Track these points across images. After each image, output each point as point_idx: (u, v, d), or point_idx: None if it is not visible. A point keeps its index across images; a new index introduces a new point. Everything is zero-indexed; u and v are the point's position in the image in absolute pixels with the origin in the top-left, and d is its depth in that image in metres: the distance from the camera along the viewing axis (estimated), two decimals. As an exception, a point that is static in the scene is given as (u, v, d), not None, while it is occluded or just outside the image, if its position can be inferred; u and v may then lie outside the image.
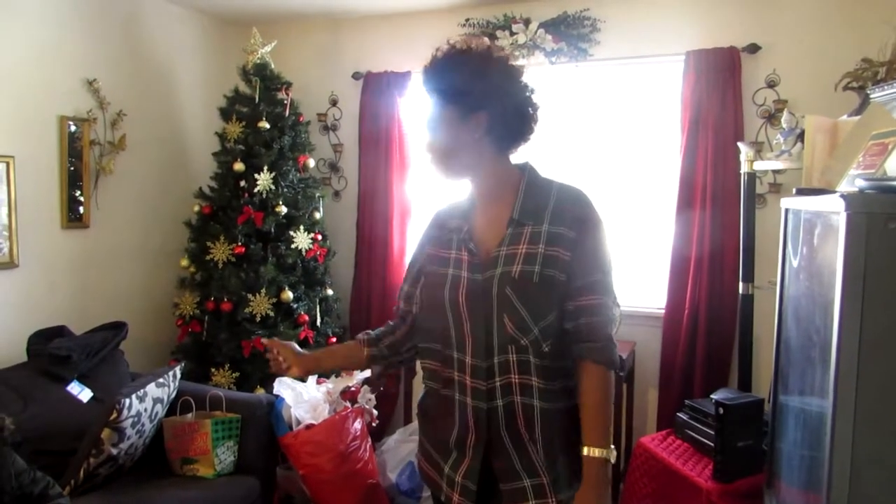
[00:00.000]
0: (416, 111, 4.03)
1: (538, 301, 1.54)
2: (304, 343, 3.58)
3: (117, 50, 3.70)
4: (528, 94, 1.62)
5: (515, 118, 1.61)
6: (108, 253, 3.66)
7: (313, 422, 3.03)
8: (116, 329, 3.23)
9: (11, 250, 3.19)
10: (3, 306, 3.15)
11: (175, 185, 4.03)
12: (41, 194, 3.34)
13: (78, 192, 3.50)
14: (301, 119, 3.93)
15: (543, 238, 1.56)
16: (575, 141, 3.83)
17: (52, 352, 2.93)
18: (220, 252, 3.61)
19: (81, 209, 3.51)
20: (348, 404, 3.16)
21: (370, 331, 1.87)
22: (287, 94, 3.86)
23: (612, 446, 1.56)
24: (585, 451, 1.54)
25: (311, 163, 3.90)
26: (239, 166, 3.66)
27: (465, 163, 1.62)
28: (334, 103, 4.29)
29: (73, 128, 3.45)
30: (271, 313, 3.54)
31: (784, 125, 2.83)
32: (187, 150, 4.15)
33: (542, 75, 3.80)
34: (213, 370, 3.53)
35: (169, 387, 2.95)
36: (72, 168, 3.46)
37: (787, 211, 2.19)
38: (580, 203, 1.61)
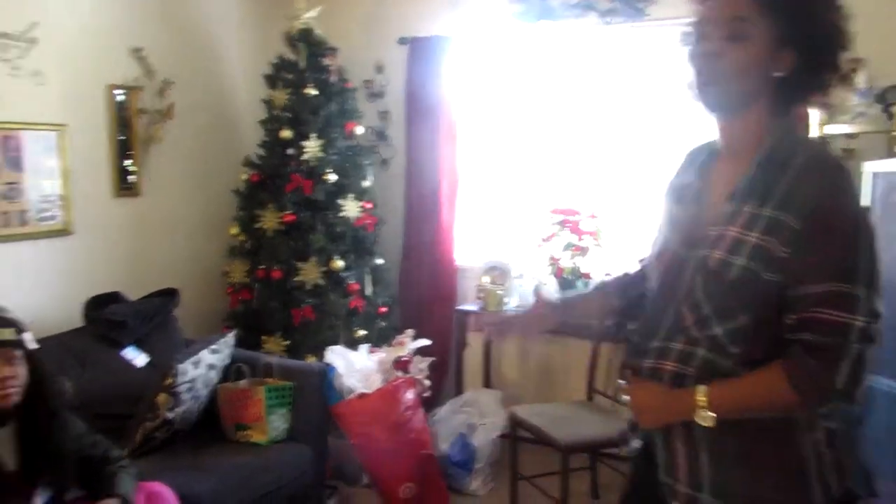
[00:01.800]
0: (463, 76, 3.95)
1: (727, 300, 1.26)
2: (354, 313, 3.56)
3: (163, 18, 3.67)
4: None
5: (826, 67, 1.30)
6: (159, 221, 3.66)
7: (365, 391, 3.01)
8: (169, 296, 3.24)
9: (67, 218, 3.21)
10: (59, 273, 3.18)
11: (223, 154, 4.01)
12: (93, 163, 3.35)
13: (128, 161, 3.50)
14: (348, 86, 3.87)
15: (761, 224, 1.23)
16: (630, 108, 3.71)
17: (108, 317, 2.95)
18: (269, 220, 3.59)
19: (132, 178, 3.52)
20: (400, 374, 3.13)
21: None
22: (333, 61, 3.80)
23: (713, 415, 1.27)
24: (700, 392, 1.27)
25: (360, 130, 3.85)
26: (286, 133, 3.62)
27: (741, 99, 1.29)
28: (380, 70, 4.21)
29: (121, 97, 3.44)
30: (321, 282, 3.52)
31: (860, 85, 2.68)
32: (234, 118, 4.13)
33: (596, 37, 3.67)
34: (263, 338, 3.52)
35: (223, 353, 2.96)
36: (122, 137, 3.46)
37: (874, 175, 2.07)
38: (824, 185, 1.22)
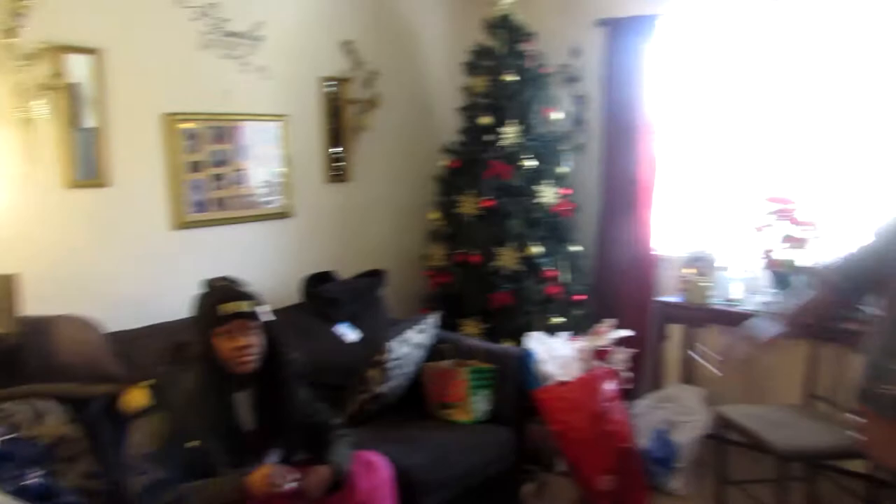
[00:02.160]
0: (667, 58, 3.77)
1: None
2: (550, 299, 3.53)
3: (372, 11, 3.84)
4: None
5: None
6: (365, 205, 3.85)
7: (564, 378, 2.97)
8: (377, 276, 3.39)
9: (287, 202, 3.46)
10: (282, 251, 3.44)
11: (423, 141, 4.12)
12: (308, 151, 3.58)
13: (338, 149, 3.70)
14: (545, 71, 3.84)
15: None
16: (860, 87, 3.35)
17: (323, 294, 3.15)
18: (467, 205, 3.65)
19: (342, 165, 3.72)
20: (599, 364, 3.06)
21: None
22: (531, 46, 3.79)
23: None
24: None
25: (556, 115, 3.81)
26: (485, 120, 3.66)
27: None
28: (576, 53, 4.13)
29: (332, 88, 3.64)
30: (518, 268, 3.52)
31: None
32: (434, 106, 4.23)
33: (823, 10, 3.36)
34: (461, 321, 3.59)
35: (427, 333, 3.05)
36: (332, 126, 3.67)
37: None
38: None
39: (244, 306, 2.15)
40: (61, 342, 2.38)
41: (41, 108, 2.61)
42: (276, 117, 3.41)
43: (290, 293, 3.27)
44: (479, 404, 2.91)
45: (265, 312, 2.22)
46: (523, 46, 3.76)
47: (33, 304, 2.40)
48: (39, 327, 2.37)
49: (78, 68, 2.74)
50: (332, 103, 3.66)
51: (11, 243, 2.61)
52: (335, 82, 3.66)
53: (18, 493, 1.90)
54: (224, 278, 2.25)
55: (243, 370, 2.12)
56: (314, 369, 2.86)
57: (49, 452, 2.11)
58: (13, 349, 2.19)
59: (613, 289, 3.87)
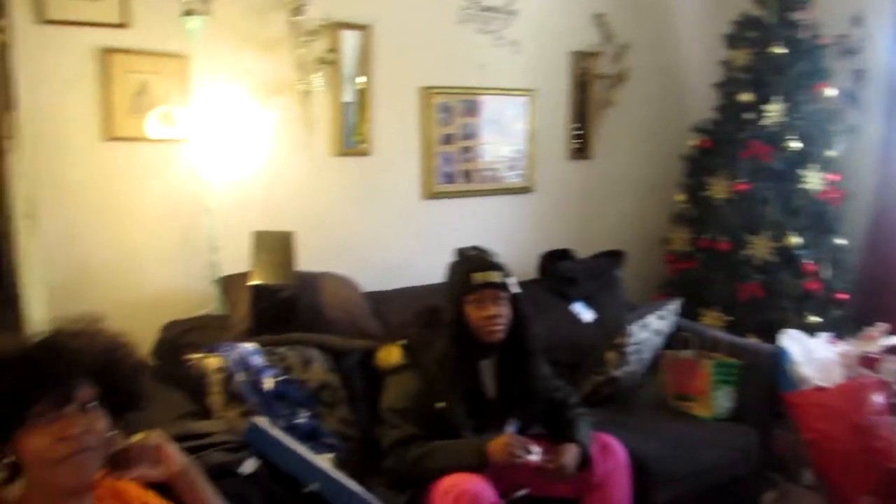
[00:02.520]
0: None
1: None
2: (808, 296, 3.22)
3: (626, -18, 3.71)
4: None
5: None
6: (606, 184, 3.76)
7: (823, 384, 2.70)
8: (615, 257, 3.31)
9: (530, 176, 3.48)
10: (521, 226, 3.49)
11: (672, 118, 3.93)
12: (552, 126, 3.56)
13: (583, 125, 3.64)
14: (820, 42, 3.46)
15: None
16: None
17: (561, 272, 3.13)
18: (718, 188, 3.43)
19: (585, 141, 3.66)
20: (867, 372, 2.74)
21: None
22: (805, 14, 3.43)
23: None
24: None
25: (830, 92, 3.43)
26: (746, 96, 3.39)
27: None
28: (857, 22, 3.67)
29: (581, 62, 3.58)
30: (772, 258, 3.25)
31: None
32: (686, 82, 4.00)
33: None
34: (701, 310, 3.40)
35: (668, 320, 2.93)
36: (578, 101, 3.61)
37: None
38: None
39: (495, 276, 2.19)
40: (327, 297, 2.60)
41: (318, 81, 2.85)
42: (524, 92, 3.43)
43: (527, 268, 3.29)
44: (721, 400, 2.74)
45: (514, 284, 2.25)
46: (796, 15, 3.42)
47: (303, 260, 2.63)
48: (309, 282, 2.61)
49: (349, 44, 2.95)
50: (579, 78, 3.60)
51: (289, 204, 2.90)
52: (585, 56, 3.59)
53: (290, 430, 2.12)
54: (476, 248, 2.32)
55: (490, 339, 2.17)
56: (549, 346, 2.89)
57: (314, 396, 2.33)
58: (289, 300, 2.43)
59: (887, 290, 3.43)
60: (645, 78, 3.80)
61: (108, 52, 2.55)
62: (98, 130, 2.60)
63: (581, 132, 3.65)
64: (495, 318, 2.15)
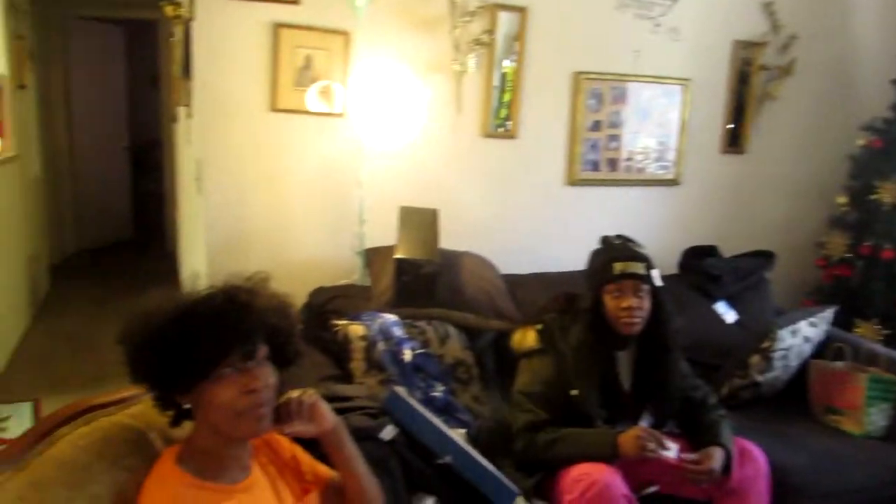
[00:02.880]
0: None
1: None
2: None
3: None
4: None
5: None
6: (760, 181, 3.59)
7: None
8: (764, 257, 3.15)
9: (677, 169, 3.37)
10: (665, 219, 3.39)
11: (839, 115, 3.68)
12: (707, 117, 3.43)
13: (739, 118, 3.48)
14: None
15: None
16: None
17: (704, 269, 3.02)
18: (887, 192, 3.19)
19: (740, 135, 3.49)
20: None
21: None
22: None
23: None
24: None
25: None
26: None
27: None
28: None
29: (744, 52, 3.41)
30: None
31: None
32: (858, 76, 3.72)
33: None
34: (856, 320, 3.19)
35: (819, 328, 2.76)
36: (736, 93, 3.45)
37: None
38: None
39: (639, 267, 2.14)
40: (466, 276, 2.65)
41: (472, 62, 2.88)
42: (679, 81, 3.32)
43: (668, 263, 3.19)
44: (875, 417, 2.55)
45: (656, 277, 2.20)
46: None
47: (445, 238, 2.69)
48: (450, 259, 2.66)
49: (504, 25, 2.96)
50: (740, 69, 3.43)
51: (435, 182, 2.97)
52: (749, 46, 3.42)
53: (425, 402, 2.18)
54: (621, 237, 2.27)
55: (627, 331, 2.13)
56: (686, 344, 2.78)
57: (450, 372, 2.38)
58: (431, 276, 2.49)
59: None
60: (812, 71, 3.57)
61: (280, 27, 2.70)
62: (264, 101, 2.76)
63: (737, 126, 3.49)
64: (633, 310, 2.10)
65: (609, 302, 2.13)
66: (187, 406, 1.24)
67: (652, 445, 1.96)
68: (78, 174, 6.16)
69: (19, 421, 3.17)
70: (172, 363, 1.17)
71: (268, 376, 1.25)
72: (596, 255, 2.26)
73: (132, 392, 1.41)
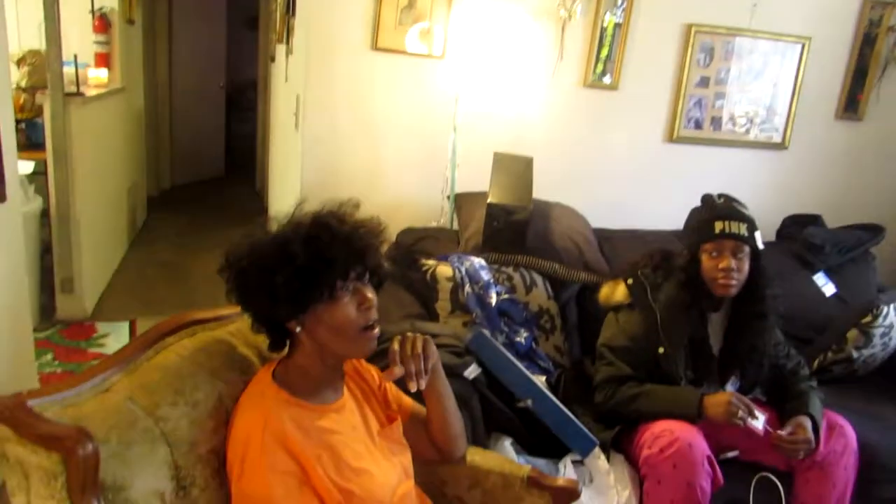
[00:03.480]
0: None
1: None
2: None
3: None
4: None
5: None
6: (876, 151, 3.38)
7: None
8: (872, 231, 2.99)
9: (786, 132, 3.22)
10: (768, 185, 3.25)
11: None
12: (824, 80, 3.25)
13: (859, 82, 3.27)
14: None
15: None
16: None
17: (806, 238, 2.89)
18: None
19: (859, 100, 3.29)
20: None
21: None
22: None
23: None
24: None
25: None
26: None
27: None
28: None
29: (873, 13, 3.19)
30: None
31: None
32: None
33: None
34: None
35: (928, 307, 2.60)
36: (859, 55, 3.24)
37: None
38: None
39: (741, 228, 2.05)
40: (556, 226, 2.62)
41: (578, 9, 2.80)
42: (798, 38, 3.14)
43: (767, 230, 3.06)
44: (978, 405, 2.42)
45: (758, 240, 2.11)
46: None
47: (537, 189, 2.64)
48: (541, 209, 2.63)
49: (612, -28, 2.85)
50: (866, 30, 3.21)
51: (532, 131, 2.92)
52: (879, 6, 3.18)
53: (508, 346, 2.18)
54: (725, 196, 2.18)
55: (722, 292, 2.05)
56: (783, 313, 2.69)
57: (534, 319, 2.38)
58: (521, 223, 2.47)
59: None
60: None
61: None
62: (366, 40, 2.77)
63: (855, 90, 3.28)
64: (731, 271, 2.01)
65: (706, 261, 2.05)
66: (296, 329, 1.25)
67: (741, 413, 1.91)
68: (176, 110, 6.36)
69: (116, 338, 3.35)
70: (293, 286, 1.18)
71: (374, 295, 1.28)
72: (696, 212, 2.18)
73: (231, 310, 1.46)
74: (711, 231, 2.05)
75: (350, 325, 1.23)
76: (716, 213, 2.09)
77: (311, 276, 1.18)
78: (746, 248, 2.05)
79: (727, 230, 2.04)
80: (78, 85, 3.40)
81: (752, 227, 2.09)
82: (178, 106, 6.37)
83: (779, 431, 1.95)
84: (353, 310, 1.23)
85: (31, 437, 0.96)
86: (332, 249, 1.19)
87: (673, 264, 2.18)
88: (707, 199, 2.18)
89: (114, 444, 1.03)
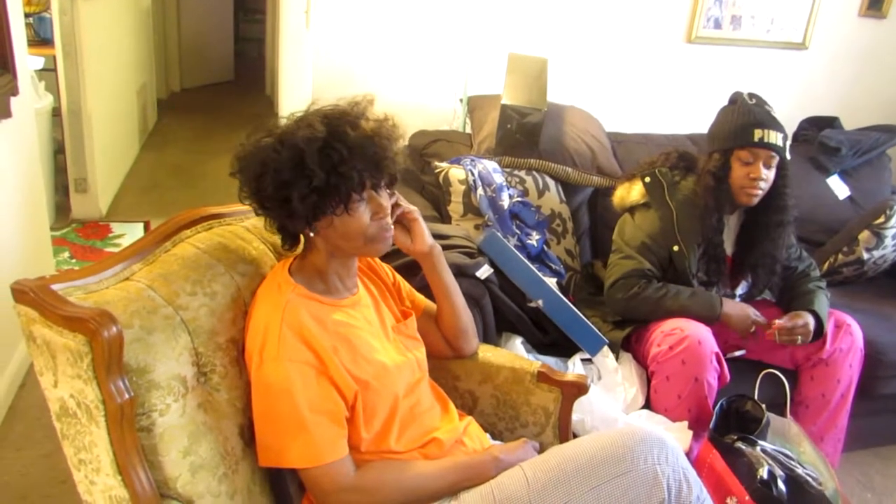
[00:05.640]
0: None
1: None
2: None
3: None
4: None
5: None
6: (897, 49, 3.28)
7: None
8: (889, 133, 2.94)
9: (806, 32, 3.12)
10: (787, 86, 3.17)
11: None
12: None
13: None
14: None
15: None
16: None
17: (822, 140, 2.85)
18: None
19: (886, -4, 3.17)
20: None
21: None
22: None
23: None
24: None
25: None
26: None
27: None
28: None
29: None
30: None
31: None
32: None
33: None
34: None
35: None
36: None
37: None
38: None
39: (779, 139, 1.98)
40: (569, 129, 2.58)
41: None
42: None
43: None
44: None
45: (788, 150, 2.05)
46: None
47: (551, 92, 2.57)
48: (555, 112, 2.59)
49: None
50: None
51: (548, 32, 2.83)
52: None
53: (520, 249, 2.20)
54: (756, 97, 2.08)
55: (746, 201, 2.02)
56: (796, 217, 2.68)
57: (545, 223, 2.38)
58: (535, 126, 2.43)
59: None
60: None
61: None
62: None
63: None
64: (760, 181, 1.98)
65: (737, 168, 2.00)
66: (310, 234, 1.25)
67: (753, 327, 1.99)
68: (183, 10, 6.20)
69: (132, 238, 3.40)
70: (310, 201, 1.18)
71: (387, 199, 1.29)
72: (729, 113, 2.06)
73: (247, 207, 1.46)
74: (749, 138, 1.98)
75: (364, 232, 1.24)
76: (754, 119, 2.00)
77: (328, 191, 1.17)
78: (777, 159, 2.01)
79: (765, 139, 1.97)
80: (84, -24, 3.31)
81: (786, 138, 2.03)
82: (186, 6, 6.21)
83: (776, 321, 1.98)
84: (368, 218, 1.24)
85: (56, 319, 0.99)
86: (348, 163, 1.17)
87: (691, 164, 2.16)
88: (740, 100, 2.07)
89: (136, 329, 1.07)
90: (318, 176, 1.15)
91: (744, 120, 2.00)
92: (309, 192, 1.16)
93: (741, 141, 1.98)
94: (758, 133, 1.96)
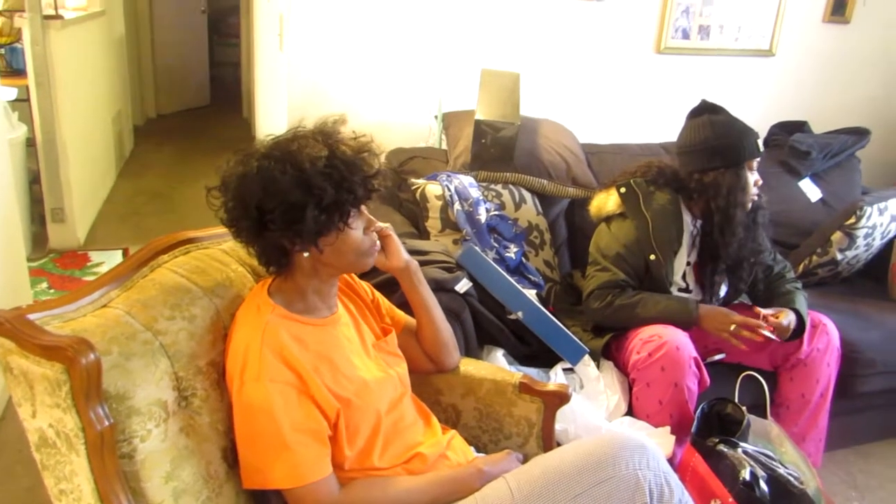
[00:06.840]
0: None
1: None
2: None
3: None
4: None
5: None
6: (863, 54, 3.37)
7: None
8: (858, 135, 2.99)
9: (772, 39, 3.18)
10: (756, 93, 3.23)
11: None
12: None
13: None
14: None
15: None
16: None
17: (792, 145, 2.90)
18: None
19: (847, 1, 3.24)
20: None
21: None
22: None
23: None
24: None
25: None
26: None
27: None
28: None
29: None
30: None
31: None
32: None
33: None
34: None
35: (911, 208, 2.64)
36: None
37: None
38: None
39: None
40: (544, 142, 2.61)
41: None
42: (785, -60, 3.07)
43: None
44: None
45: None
46: None
47: (524, 105, 2.60)
48: (529, 125, 2.62)
49: None
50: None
51: (519, 46, 2.87)
52: None
53: (498, 261, 2.21)
54: (722, 109, 2.12)
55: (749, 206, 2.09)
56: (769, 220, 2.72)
57: (523, 235, 2.40)
58: (509, 140, 2.46)
59: None
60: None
61: None
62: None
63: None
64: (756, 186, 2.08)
65: (748, 179, 2.06)
66: (303, 254, 1.25)
67: (731, 329, 1.97)
68: (157, 37, 6.21)
69: (111, 266, 3.35)
70: (319, 221, 1.19)
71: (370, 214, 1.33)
72: (726, 126, 2.06)
73: (224, 230, 1.47)
74: (757, 147, 2.05)
75: (359, 247, 1.28)
76: (747, 128, 2.06)
77: (334, 207, 1.20)
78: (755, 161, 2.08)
79: (760, 146, 2.06)
80: (56, 7, 3.32)
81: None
82: (160, 32, 6.23)
83: (764, 311, 2.01)
84: (359, 234, 1.29)
85: (32, 348, 0.99)
86: (348, 180, 1.21)
87: (670, 180, 2.17)
88: (721, 111, 2.10)
89: (115, 356, 1.07)
90: (329, 193, 1.18)
91: (744, 131, 2.06)
92: (319, 210, 1.19)
93: (753, 151, 2.05)
94: (758, 143, 2.06)
